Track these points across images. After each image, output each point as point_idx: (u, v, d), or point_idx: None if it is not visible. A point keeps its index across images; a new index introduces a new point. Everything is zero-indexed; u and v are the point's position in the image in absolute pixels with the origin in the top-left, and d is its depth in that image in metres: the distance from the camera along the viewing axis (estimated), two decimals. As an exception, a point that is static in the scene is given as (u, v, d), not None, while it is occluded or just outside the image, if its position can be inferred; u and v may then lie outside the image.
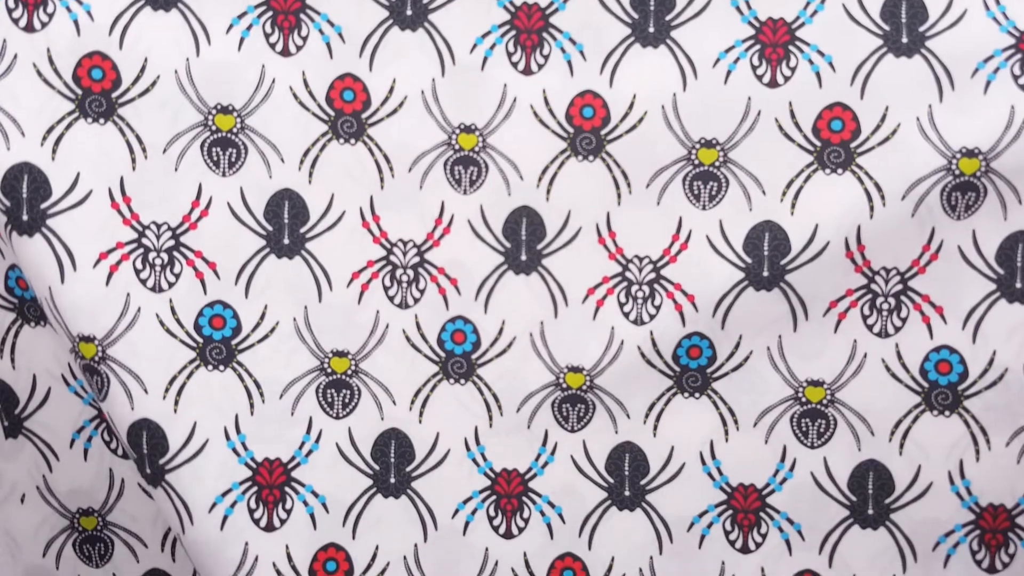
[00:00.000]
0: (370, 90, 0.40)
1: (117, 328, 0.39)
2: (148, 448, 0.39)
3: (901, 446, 0.40)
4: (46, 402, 0.42)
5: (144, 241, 0.40)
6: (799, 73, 0.40)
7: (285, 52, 0.40)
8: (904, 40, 0.39)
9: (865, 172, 0.39)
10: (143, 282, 0.40)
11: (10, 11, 0.38)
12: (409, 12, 0.40)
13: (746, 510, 0.41)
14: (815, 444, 0.41)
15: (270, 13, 0.40)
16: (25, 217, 0.37)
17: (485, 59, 0.40)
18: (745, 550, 0.41)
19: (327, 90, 0.40)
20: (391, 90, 0.40)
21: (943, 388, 0.40)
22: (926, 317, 0.40)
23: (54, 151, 0.38)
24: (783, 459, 0.41)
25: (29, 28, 0.39)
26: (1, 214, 0.37)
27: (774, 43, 0.40)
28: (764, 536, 0.41)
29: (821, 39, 0.39)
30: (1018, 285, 0.39)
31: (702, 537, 0.41)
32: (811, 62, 0.39)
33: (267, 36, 0.40)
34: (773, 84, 0.40)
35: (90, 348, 0.38)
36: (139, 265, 0.40)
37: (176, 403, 0.39)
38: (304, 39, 0.40)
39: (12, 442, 0.42)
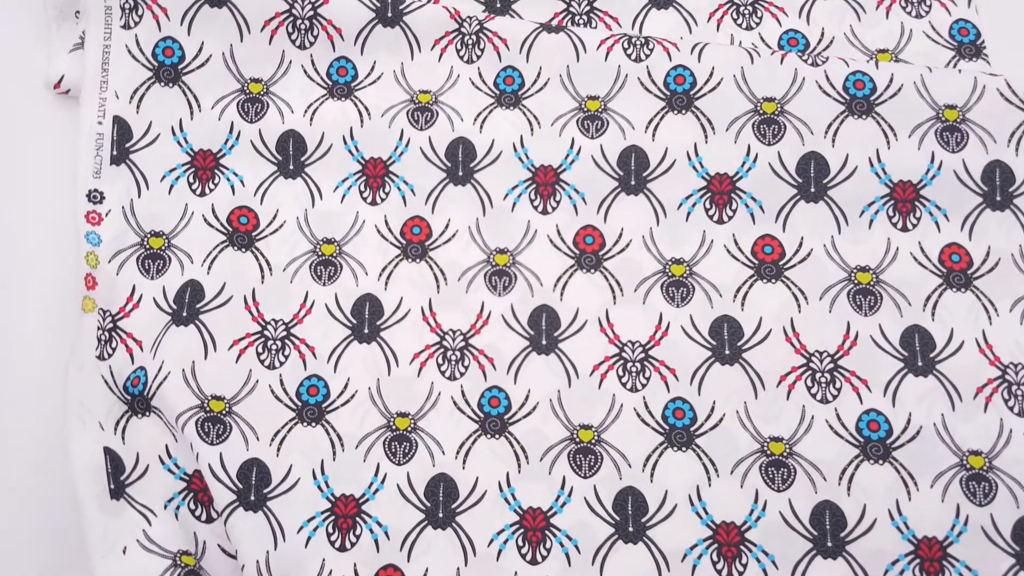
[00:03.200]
0: (432, 226, 0.56)
1: (241, 393, 0.52)
2: (255, 480, 0.49)
3: (848, 489, 0.50)
4: (144, 475, 0.51)
5: (265, 333, 0.53)
6: (739, 212, 0.55)
7: (373, 203, 0.56)
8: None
9: (792, 282, 0.54)
10: (262, 362, 0.53)
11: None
12: (460, 173, 0.56)
13: (729, 543, 0.50)
14: (781, 488, 0.50)
15: (364, 177, 0.57)
16: None
17: (514, 204, 0.56)
18: None
19: (401, 226, 0.56)
20: (446, 226, 0.56)
21: (875, 442, 0.51)
22: (855, 388, 0.52)
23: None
24: (756, 500, 0.50)
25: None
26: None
27: (721, 191, 0.56)
28: (745, 566, 0.49)
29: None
30: (919, 364, 0.52)
31: (694, 567, 0.49)
32: (747, 206, 0.55)
33: (361, 192, 0.56)
34: (721, 221, 0.56)
35: (219, 404, 0.51)
36: (260, 351, 0.53)
37: (279, 450, 0.51)
38: (387, 194, 0.56)
39: (116, 503, 0.50)
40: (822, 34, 0.60)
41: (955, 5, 0.60)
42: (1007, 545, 0.48)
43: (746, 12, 0.61)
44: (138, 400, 0.51)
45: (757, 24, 0.61)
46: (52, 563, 0.52)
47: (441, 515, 0.50)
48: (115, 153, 0.56)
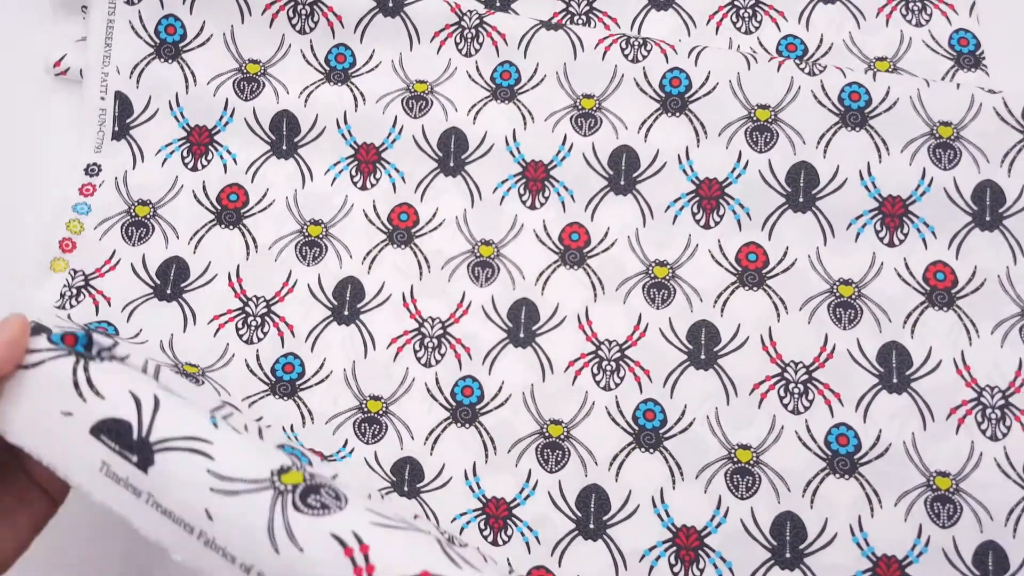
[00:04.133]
0: (419, 214, 0.56)
1: (216, 364, 0.52)
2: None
3: (812, 501, 0.50)
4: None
5: (246, 309, 0.54)
6: (727, 218, 0.55)
7: (363, 187, 0.57)
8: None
9: (773, 291, 0.54)
10: (240, 336, 0.53)
11: None
12: (452, 164, 0.57)
13: (687, 547, 0.50)
14: (744, 496, 0.51)
15: (356, 162, 0.57)
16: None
17: (503, 197, 0.57)
18: None
19: (389, 212, 0.57)
20: (434, 215, 0.56)
21: (843, 456, 0.51)
22: (827, 400, 0.52)
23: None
24: (719, 507, 0.50)
25: None
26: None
27: (709, 195, 0.56)
28: (702, 571, 0.49)
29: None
30: (894, 381, 0.52)
31: (651, 567, 0.49)
32: (734, 212, 0.55)
33: (352, 177, 0.57)
34: (707, 226, 0.56)
35: (193, 369, 0.52)
36: (240, 326, 0.54)
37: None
38: (377, 180, 0.57)
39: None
40: (821, 40, 0.60)
41: (956, 14, 0.60)
42: (967, 569, 0.48)
43: (746, 15, 0.61)
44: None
45: (756, 28, 0.60)
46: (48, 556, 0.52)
47: (407, 489, 0.51)
48: (116, 129, 0.57)
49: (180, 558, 0.33)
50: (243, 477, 0.34)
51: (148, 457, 0.34)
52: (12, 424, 0.35)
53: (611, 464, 0.51)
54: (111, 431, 0.34)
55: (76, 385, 0.35)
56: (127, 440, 0.34)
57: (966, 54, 0.59)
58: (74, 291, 0.54)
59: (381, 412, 0.52)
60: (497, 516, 0.50)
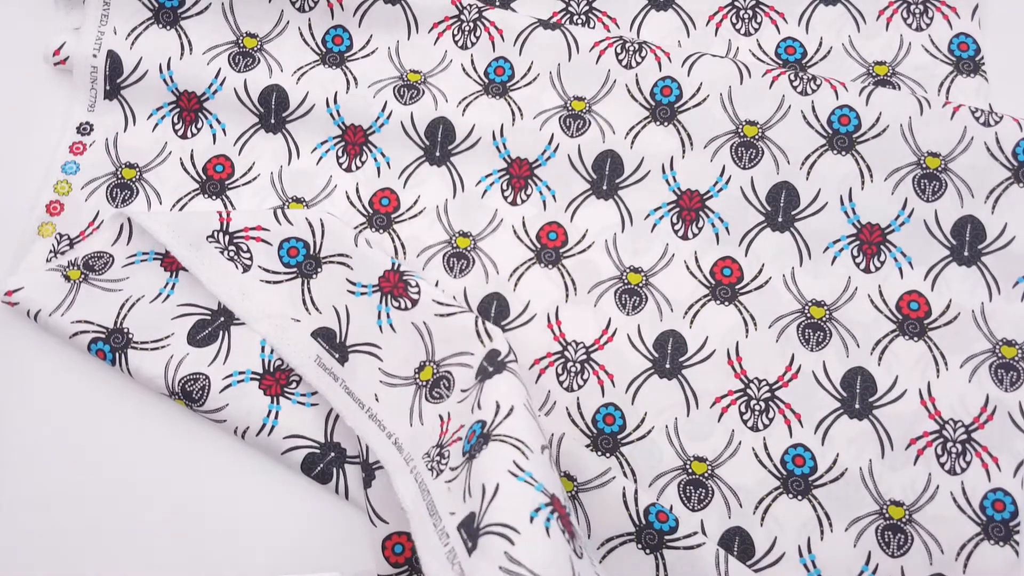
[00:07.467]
0: (401, 200, 0.57)
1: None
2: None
3: (762, 519, 0.50)
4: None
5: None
6: (705, 231, 0.55)
7: (348, 169, 0.57)
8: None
9: (744, 307, 0.54)
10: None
11: None
12: (438, 153, 0.57)
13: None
14: (696, 508, 0.50)
15: (343, 143, 0.58)
16: None
17: (485, 192, 0.57)
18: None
19: (371, 196, 0.57)
20: (415, 203, 0.57)
21: (797, 477, 0.51)
22: (787, 420, 0.52)
23: None
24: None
25: None
26: None
27: (690, 207, 0.56)
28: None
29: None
30: (856, 406, 0.52)
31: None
32: (713, 225, 0.55)
33: (338, 158, 0.57)
34: (685, 237, 0.56)
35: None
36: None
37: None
38: (363, 163, 0.57)
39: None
40: (820, 43, 0.60)
41: (958, 17, 0.59)
42: None
43: (746, 16, 0.61)
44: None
45: (756, 30, 0.60)
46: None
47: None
48: (108, 88, 0.57)
49: (349, 423, 0.48)
50: (399, 375, 0.51)
51: (345, 355, 0.51)
52: (258, 323, 0.52)
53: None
54: (324, 335, 0.51)
55: (304, 303, 0.52)
56: (333, 342, 0.51)
57: (965, 59, 0.59)
58: (57, 257, 0.54)
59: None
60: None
